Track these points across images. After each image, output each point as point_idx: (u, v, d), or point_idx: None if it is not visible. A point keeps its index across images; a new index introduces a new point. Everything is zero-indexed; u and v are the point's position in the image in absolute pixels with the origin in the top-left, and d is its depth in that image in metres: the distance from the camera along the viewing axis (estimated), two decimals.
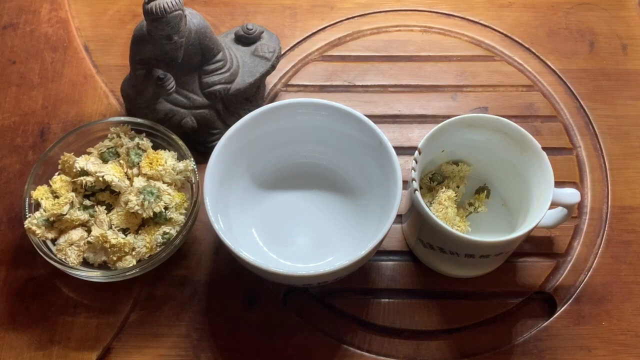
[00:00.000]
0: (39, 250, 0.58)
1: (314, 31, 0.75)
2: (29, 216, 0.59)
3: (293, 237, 0.62)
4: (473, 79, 0.72)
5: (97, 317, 0.60)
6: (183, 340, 0.59)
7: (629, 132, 0.68)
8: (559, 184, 0.54)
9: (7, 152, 0.68)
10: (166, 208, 0.59)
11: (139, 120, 0.63)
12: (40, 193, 0.59)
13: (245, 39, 0.66)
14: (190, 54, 0.61)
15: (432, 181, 0.61)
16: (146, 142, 0.62)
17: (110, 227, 0.59)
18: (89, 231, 0.59)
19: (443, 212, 0.57)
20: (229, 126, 0.58)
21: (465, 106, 0.70)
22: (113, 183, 0.59)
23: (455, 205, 0.58)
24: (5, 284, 0.61)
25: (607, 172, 0.66)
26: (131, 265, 0.58)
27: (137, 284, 0.61)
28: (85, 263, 0.59)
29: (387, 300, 0.61)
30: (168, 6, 0.55)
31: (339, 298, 0.61)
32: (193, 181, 0.61)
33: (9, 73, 0.72)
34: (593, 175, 0.66)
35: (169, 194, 0.59)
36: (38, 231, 0.57)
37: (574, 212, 0.58)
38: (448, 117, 0.57)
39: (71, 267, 0.57)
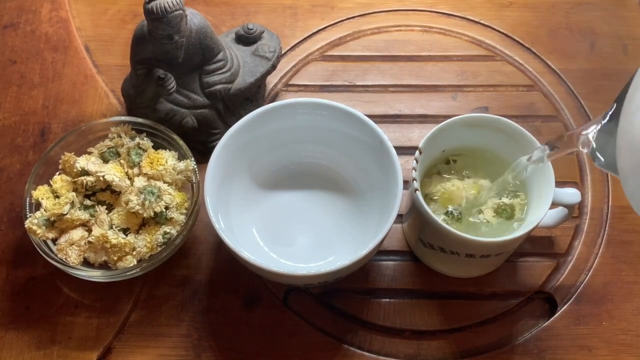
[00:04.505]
0: (39, 250, 0.58)
1: (314, 31, 0.75)
2: (30, 216, 0.59)
3: (293, 236, 0.62)
4: (473, 79, 0.72)
5: (97, 316, 0.60)
6: (183, 340, 0.59)
7: None
8: (559, 183, 0.54)
9: (8, 152, 0.68)
10: (167, 208, 0.59)
11: (139, 120, 0.63)
12: (40, 193, 0.59)
13: (246, 39, 0.66)
14: (190, 54, 0.61)
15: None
16: (147, 142, 0.62)
17: (111, 227, 0.59)
18: (89, 231, 0.59)
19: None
20: (229, 126, 0.58)
21: (466, 106, 0.70)
22: (114, 183, 0.59)
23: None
24: (6, 283, 0.61)
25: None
26: (132, 265, 0.58)
27: (137, 284, 0.61)
28: (86, 263, 0.59)
29: (387, 300, 0.61)
30: (169, 6, 0.55)
31: (340, 298, 0.61)
32: (194, 181, 0.61)
33: (10, 73, 0.72)
34: (593, 175, 0.66)
35: (169, 194, 0.59)
36: (39, 231, 0.58)
37: (574, 212, 0.58)
38: (449, 117, 0.57)
39: (72, 267, 0.57)
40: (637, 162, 0.36)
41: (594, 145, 0.44)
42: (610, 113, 0.43)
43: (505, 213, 0.57)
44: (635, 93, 0.38)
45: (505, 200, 0.57)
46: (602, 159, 0.43)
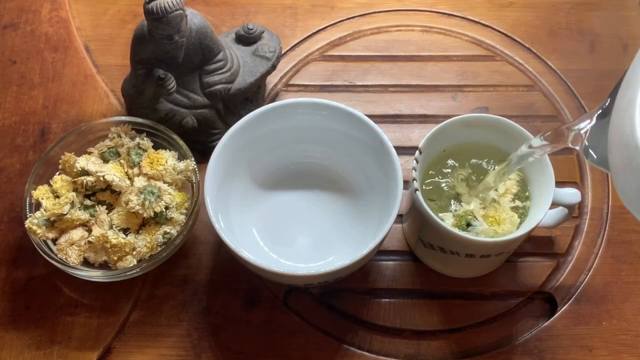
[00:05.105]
0: (39, 250, 0.58)
1: (314, 31, 0.75)
2: (30, 216, 0.59)
3: (294, 236, 0.62)
4: (473, 79, 0.72)
5: (97, 316, 0.60)
6: (183, 340, 0.59)
7: None
8: (559, 183, 0.54)
9: (8, 152, 0.68)
10: (167, 208, 0.59)
11: (139, 120, 0.63)
12: (40, 193, 0.59)
13: (246, 39, 0.66)
14: (190, 54, 0.61)
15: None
16: (147, 142, 0.62)
17: (111, 227, 0.59)
18: (89, 231, 0.59)
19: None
20: (229, 126, 0.58)
21: (466, 106, 0.70)
22: (114, 183, 0.59)
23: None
24: (6, 283, 0.61)
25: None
26: (132, 265, 0.58)
27: (137, 284, 0.61)
28: (86, 263, 0.59)
29: (387, 300, 0.61)
30: (169, 6, 0.55)
31: (340, 298, 0.61)
32: (194, 181, 0.61)
33: (10, 73, 0.72)
34: (593, 175, 0.66)
35: (169, 194, 0.59)
36: (39, 231, 0.57)
37: (574, 212, 0.58)
38: (449, 117, 0.57)
39: (72, 267, 0.57)
40: (627, 158, 0.36)
41: (587, 142, 0.44)
42: (603, 108, 0.43)
43: (524, 217, 0.57)
44: (627, 90, 0.38)
45: (519, 203, 0.57)
46: (595, 156, 0.43)
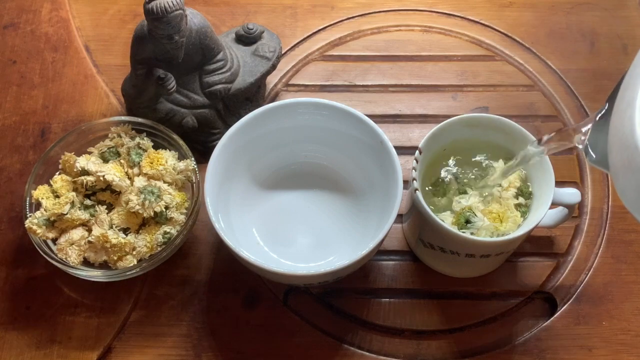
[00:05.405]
0: (39, 250, 0.58)
1: (314, 31, 0.75)
2: (30, 216, 0.59)
3: (294, 236, 0.62)
4: (473, 79, 0.72)
5: (97, 316, 0.60)
6: (183, 340, 0.59)
7: None
8: (559, 183, 0.54)
9: (8, 152, 0.68)
10: (167, 208, 0.59)
11: (139, 119, 0.63)
12: (41, 193, 0.59)
13: (246, 39, 0.66)
14: (191, 54, 0.61)
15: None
16: (147, 142, 0.62)
17: (111, 227, 0.59)
18: (89, 231, 0.59)
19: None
20: (229, 126, 0.58)
21: (466, 106, 0.70)
22: (114, 183, 0.59)
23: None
24: (6, 283, 0.61)
25: None
26: (132, 264, 0.58)
27: (137, 284, 0.61)
28: (86, 262, 0.59)
29: (387, 300, 0.61)
30: (169, 6, 0.55)
31: (340, 298, 0.61)
32: (194, 181, 0.61)
33: (10, 73, 0.72)
34: (593, 175, 0.66)
35: (169, 194, 0.59)
36: (39, 231, 0.58)
37: (574, 211, 0.58)
38: (449, 116, 0.57)
39: (72, 267, 0.57)
40: (627, 159, 0.36)
41: (587, 142, 0.44)
42: (602, 112, 0.44)
43: (526, 216, 0.56)
44: (626, 91, 0.38)
45: (522, 200, 0.57)
46: (594, 155, 0.43)
